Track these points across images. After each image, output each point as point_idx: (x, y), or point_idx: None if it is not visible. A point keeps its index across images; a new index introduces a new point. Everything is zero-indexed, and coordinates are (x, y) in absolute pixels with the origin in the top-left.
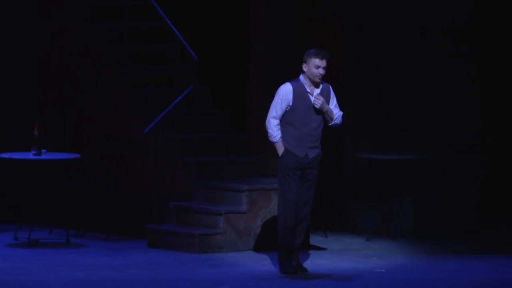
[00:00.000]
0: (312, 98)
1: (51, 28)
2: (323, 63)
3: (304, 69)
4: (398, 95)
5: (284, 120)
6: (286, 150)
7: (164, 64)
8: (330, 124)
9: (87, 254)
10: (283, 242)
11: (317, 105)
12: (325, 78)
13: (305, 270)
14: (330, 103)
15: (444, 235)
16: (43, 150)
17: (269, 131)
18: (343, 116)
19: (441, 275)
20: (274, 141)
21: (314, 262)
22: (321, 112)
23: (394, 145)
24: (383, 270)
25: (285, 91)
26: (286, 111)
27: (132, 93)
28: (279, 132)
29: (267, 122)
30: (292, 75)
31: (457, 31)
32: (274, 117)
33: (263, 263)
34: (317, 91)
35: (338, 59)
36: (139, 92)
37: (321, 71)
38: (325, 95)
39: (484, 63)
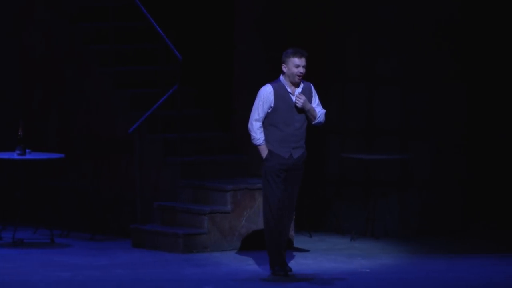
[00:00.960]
0: (293, 98)
1: (36, 28)
2: (302, 61)
3: (284, 69)
4: (384, 95)
5: (267, 121)
6: (270, 152)
7: (149, 64)
8: (313, 122)
9: (71, 254)
10: (270, 245)
11: (299, 104)
12: (312, 79)
13: (290, 270)
14: (312, 101)
15: (429, 234)
16: (27, 150)
17: (252, 134)
18: (326, 114)
19: (426, 275)
20: (258, 144)
21: (298, 262)
22: (304, 111)
23: (380, 145)
24: (368, 270)
25: (266, 93)
26: (268, 112)
27: (117, 93)
28: (262, 134)
29: (249, 125)
30: (276, 75)
31: (443, 31)
32: (257, 120)
33: (248, 263)
34: (298, 90)
35: (325, 60)
36: (124, 92)
37: (301, 69)
38: (306, 94)
39: (470, 63)
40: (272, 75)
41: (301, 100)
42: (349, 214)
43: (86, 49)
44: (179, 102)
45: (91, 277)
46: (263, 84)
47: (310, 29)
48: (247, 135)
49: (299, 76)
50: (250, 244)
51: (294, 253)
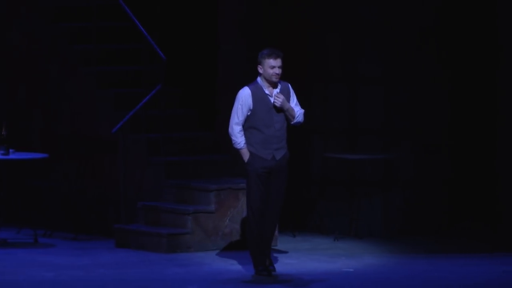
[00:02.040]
0: (271, 99)
1: (19, 27)
2: (277, 62)
3: (260, 70)
4: (367, 95)
5: (247, 124)
6: (252, 154)
7: (133, 64)
8: (292, 122)
9: (55, 254)
10: (251, 246)
11: (278, 103)
12: (295, 79)
13: (273, 269)
14: (290, 101)
15: (412, 234)
16: (11, 150)
17: (233, 138)
18: (306, 114)
19: (409, 274)
20: (239, 147)
21: (282, 262)
22: (283, 111)
23: (363, 144)
24: (351, 270)
25: (244, 96)
26: (247, 115)
27: (100, 93)
28: (243, 138)
29: (230, 129)
30: (258, 75)
31: (426, 32)
32: (237, 123)
33: (231, 263)
34: (276, 90)
35: (307, 60)
36: (108, 91)
37: (277, 70)
38: (284, 93)
39: (453, 62)
40: (254, 75)
41: (280, 100)
42: (332, 214)
43: (70, 49)
44: (162, 102)
45: (75, 277)
46: (247, 84)
47: (293, 30)
48: None
49: (275, 76)
50: (234, 244)
51: (278, 253)
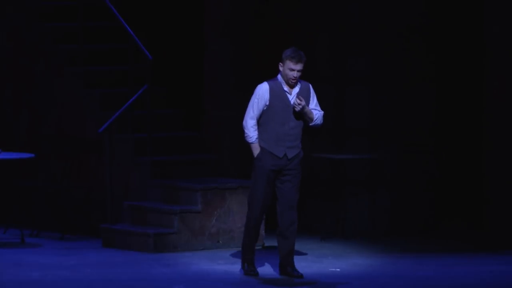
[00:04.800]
0: (289, 97)
1: (5, 27)
2: (297, 66)
3: (280, 68)
4: (354, 95)
5: (262, 119)
6: (263, 150)
7: (119, 64)
8: (310, 124)
9: (42, 254)
10: (244, 243)
11: (297, 109)
12: None
13: (300, 276)
14: (310, 102)
15: (399, 234)
16: None
17: (246, 131)
18: (324, 116)
19: (396, 274)
20: (250, 141)
21: (269, 262)
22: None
23: (350, 144)
24: (338, 270)
25: (262, 91)
26: (263, 110)
27: (86, 93)
28: (256, 132)
29: (244, 122)
30: (244, 75)
31: (413, 32)
32: (251, 117)
33: (218, 263)
34: (296, 90)
35: None
36: (94, 91)
37: (295, 74)
38: (304, 94)
39: (439, 62)
40: (240, 74)
41: (300, 106)
42: (319, 213)
43: (56, 49)
44: (149, 101)
45: (61, 277)
46: (233, 83)
47: (280, 29)
48: (217, 134)
49: (292, 80)
50: (220, 244)
51: (264, 253)
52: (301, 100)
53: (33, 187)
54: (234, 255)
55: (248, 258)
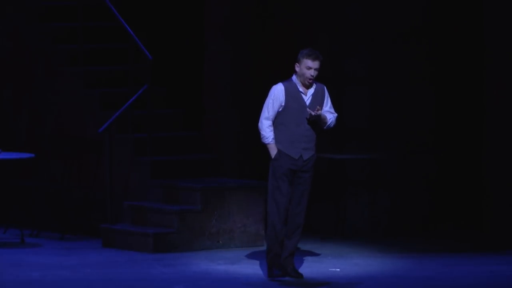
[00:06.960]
0: (305, 98)
1: (5, 27)
2: (315, 64)
3: (296, 69)
4: (353, 95)
5: (277, 121)
6: (279, 151)
7: (119, 64)
8: (324, 127)
9: (42, 254)
10: (271, 248)
11: (313, 119)
12: (281, 79)
13: (301, 276)
14: (324, 104)
15: (398, 234)
16: None
17: (262, 132)
18: (337, 118)
19: (397, 274)
20: (267, 142)
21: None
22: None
23: (349, 144)
24: (338, 270)
25: (277, 91)
26: (278, 111)
27: (87, 93)
28: (272, 133)
29: (259, 124)
30: (244, 75)
31: (412, 32)
32: (267, 118)
33: (218, 263)
34: (311, 91)
35: (294, 59)
36: (94, 91)
37: (312, 72)
38: (319, 96)
39: (439, 62)
40: (239, 74)
41: (316, 116)
42: (319, 214)
43: (56, 49)
44: (149, 101)
45: (61, 277)
46: (232, 84)
47: (280, 30)
48: (217, 134)
49: (309, 79)
50: (220, 244)
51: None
52: (317, 110)
53: (33, 187)
54: (234, 255)
55: (275, 262)
